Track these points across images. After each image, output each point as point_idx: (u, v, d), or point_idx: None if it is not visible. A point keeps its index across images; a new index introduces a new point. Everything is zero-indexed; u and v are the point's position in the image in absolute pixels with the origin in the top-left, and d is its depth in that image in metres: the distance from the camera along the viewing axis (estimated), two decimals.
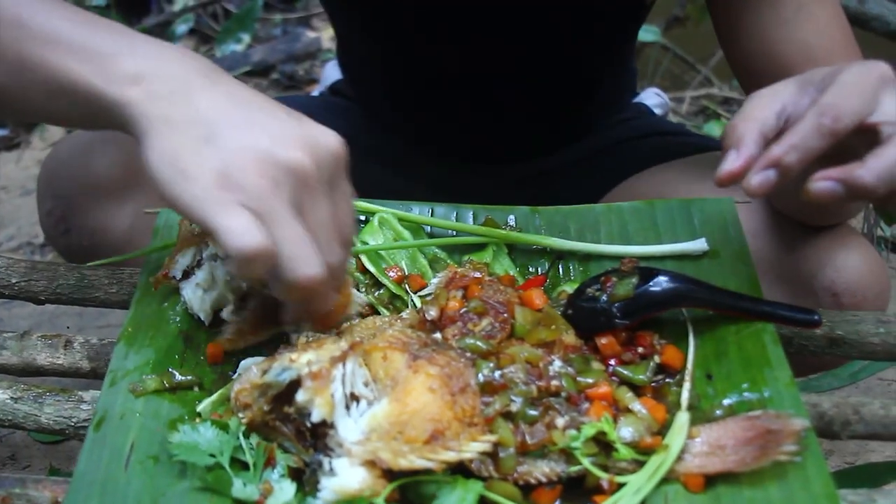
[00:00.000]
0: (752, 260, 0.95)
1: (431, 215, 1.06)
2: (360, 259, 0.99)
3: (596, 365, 0.83)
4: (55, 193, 1.18)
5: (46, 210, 1.21)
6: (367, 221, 1.04)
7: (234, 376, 0.86)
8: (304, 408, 0.73)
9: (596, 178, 1.32)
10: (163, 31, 2.98)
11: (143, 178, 0.73)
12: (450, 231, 1.04)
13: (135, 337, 0.90)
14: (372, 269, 0.98)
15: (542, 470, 0.75)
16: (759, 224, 1.04)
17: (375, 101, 1.43)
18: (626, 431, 0.77)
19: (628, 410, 0.79)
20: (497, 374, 0.79)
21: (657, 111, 1.52)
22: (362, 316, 0.95)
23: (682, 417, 0.79)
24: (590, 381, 0.80)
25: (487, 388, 0.77)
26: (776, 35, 1.08)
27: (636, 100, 1.52)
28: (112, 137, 1.08)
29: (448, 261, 1.01)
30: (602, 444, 0.76)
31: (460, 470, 0.74)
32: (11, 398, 0.88)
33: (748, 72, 1.14)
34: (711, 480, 0.75)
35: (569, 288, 0.95)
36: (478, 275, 0.92)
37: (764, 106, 0.78)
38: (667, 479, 0.75)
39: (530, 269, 1.01)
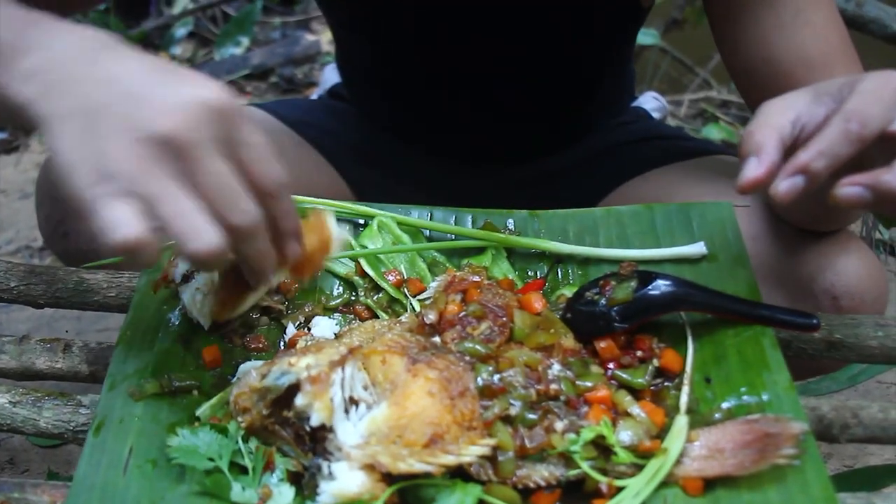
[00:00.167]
0: (751, 264, 0.95)
1: (430, 219, 1.06)
2: (359, 263, 0.99)
3: (595, 369, 0.83)
4: (54, 197, 1.18)
5: (45, 214, 1.21)
6: (366, 225, 1.04)
7: (233, 380, 0.87)
8: (303, 412, 0.73)
9: (595, 181, 1.33)
10: (162, 35, 2.99)
11: None
12: (449, 235, 1.04)
13: (134, 341, 0.90)
14: (371, 272, 0.98)
15: (541, 474, 0.75)
16: (758, 228, 1.04)
17: (374, 104, 1.43)
18: (625, 435, 0.77)
19: (627, 414, 0.79)
20: (496, 377, 0.79)
21: (655, 115, 1.52)
22: (361, 319, 0.95)
23: (681, 421, 0.79)
24: (589, 384, 0.80)
25: (486, 392, 0.77)
26: (773, 40, 1.08)
27: (634, 104, 1.52)
28: None
29: (447, 264, 1.01)
30: (601, 448, 0.76)
31: (459, 473, 0.74)
32: (10, 402, 0.88)
33: (746, 76, 1.15)
34: (710, 484, 0.75)
35: (568, 292, 0.95)
36: (477, 278, 0.92)
37: (779, 113, 0.78)
38: (666, 483, 0.75)
39: (529, 273, 1.01)
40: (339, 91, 1.51)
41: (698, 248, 0.97)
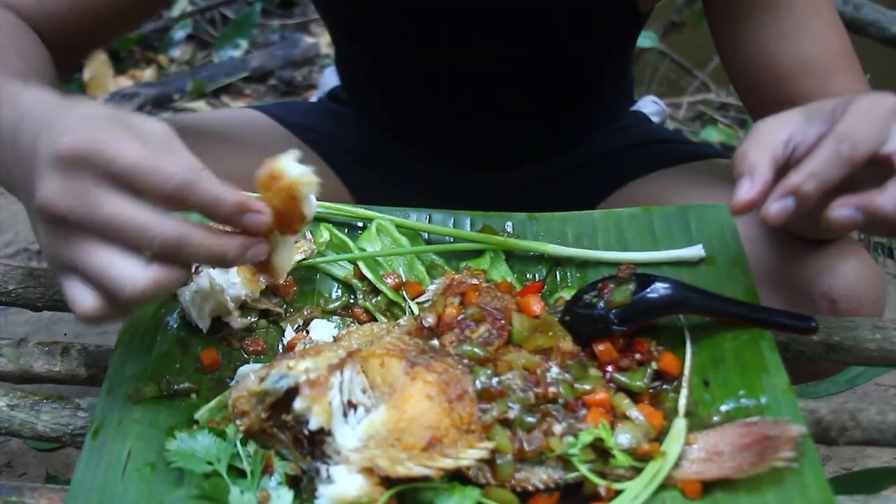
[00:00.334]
0: (749, 266, 0.95)
1: (429, 222, 1.06)
2: (357, 266, 0.99)
3: (593, 371, 0.83)
4: None
5: None
6: (364, 228, 1.04)
7: (232, 383, 0.87)
8: (301, 415, 0.73)
9: (593, 184, 1.33)
10: (161, 37, 2.99)
11: None
12: (447, 237, 1.04)
13: (132, 344, 0.89)
14: (369, 275, 0.98)
15: (539, 477, 0.75)
16: (757, 231, 1.04)
17: (374, 107, 1.43)
18: (623, 438, 0.77)
19: (626, 417, 0.79)
20: (494, 380, 0.79)
21: (654, 119, 1.53)
22: (359, 322, 0.95)
23: (680, 424, 0.79)
24: (587, 387, 0.80)
25: (485, 395, 0.77)
26: (774, 47, 1.09)
27: (633, 108, 1.53)
28: None
29: (445, 267, 1.01)
30: (599, 451, 0.76)
31: (458, 477, 0.74)
32: (8, 405, 0.88)
33: (746, 82, 1.15)
34: (709, 487, 0.75)
35: (566, 294, 0.95)
36: (475, 281, 0.93)
37: (772, 133, 0.78)
38: (664, 486, 0.75)
39: (528, 276, 1.01)
40: (339, 94, 1.51)
41: (696, 251, 0.97)
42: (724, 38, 1.15)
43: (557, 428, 0.77)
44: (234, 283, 0.92)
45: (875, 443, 0.86)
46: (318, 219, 1.05)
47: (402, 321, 0.91)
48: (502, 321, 0.85)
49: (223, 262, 0.72)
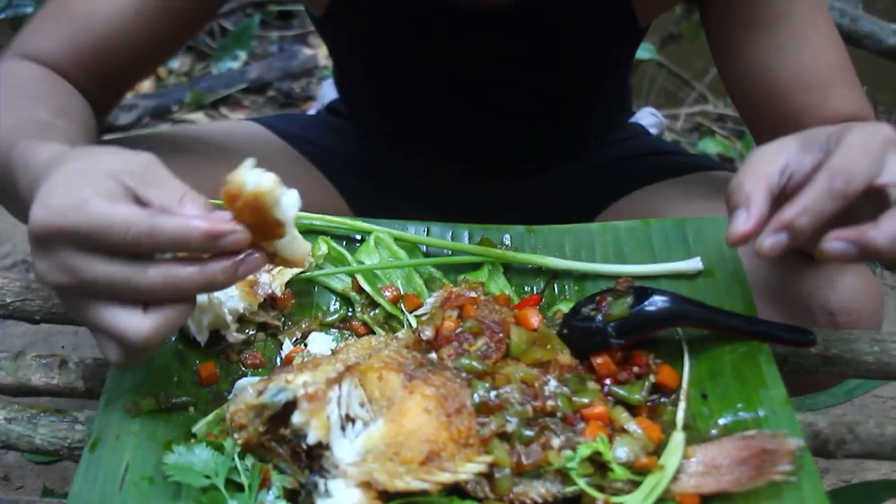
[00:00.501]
0: (747, 279, 0.96)
1: (427, 234, 1.06)
2: (355, 278, 0.99)
3: (591, 385, 0.83)
4: None
5: None
6: (362, 240, 1.04)
7: (230, 396, 0.87)
8: (299, 429, 0.73)
9: (591, 197, 1.33)
10: None
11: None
12: (445, 250, 1.04)
13: None
14: (368, 288, 0.98)
15: (537, 490, 0.75)
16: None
17: (372, 121, 1.43)
18: (621, 451, 0.77)
19: (624, 430, 0.79)
20: (492, 394, 0.79)
21: (652, 130, 1.53)
22: (357, 335, 0.95)
23: (678, 437, 0.79)
24: (585, 400, 0.80)
25: (483, 409, 0.77)
26: (772, 61, 1.09)
27: (632, 119, 1.53)
28: None
29: (444, 280, 1.01)
30: (598, 465, 0.76)
31: (456, 491, 0.73)
32: (5, 419, 0.88)
33: (744, 96, 1.15)
34: (707, 500, 0.75)
35: (564, 307, 0.95)
36: (473, 294, 0.93)
37: (768, 163, 0.78)
38: (662, 500, 0.75)
39: (526, 289, 1.01)
40: (337, 107, 1.51)
41: (694, 264, 0.98)
42: (722, 52, 1.15)
43: (555, 441, 0.77)
44: (232, 295, 0.92)
45: (874, 456, 0.86)
46: (317, 231, 1.05)
47: (400, 334, 0.91)
48: (500, 334, 0.85)
49: (218, 288, 0.74)
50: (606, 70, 1.34)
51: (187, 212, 0.71)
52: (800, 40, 1.08)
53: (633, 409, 0.82)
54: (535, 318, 0.89)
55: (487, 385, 0.79)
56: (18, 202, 0.78)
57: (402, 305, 0.97)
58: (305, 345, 0.94)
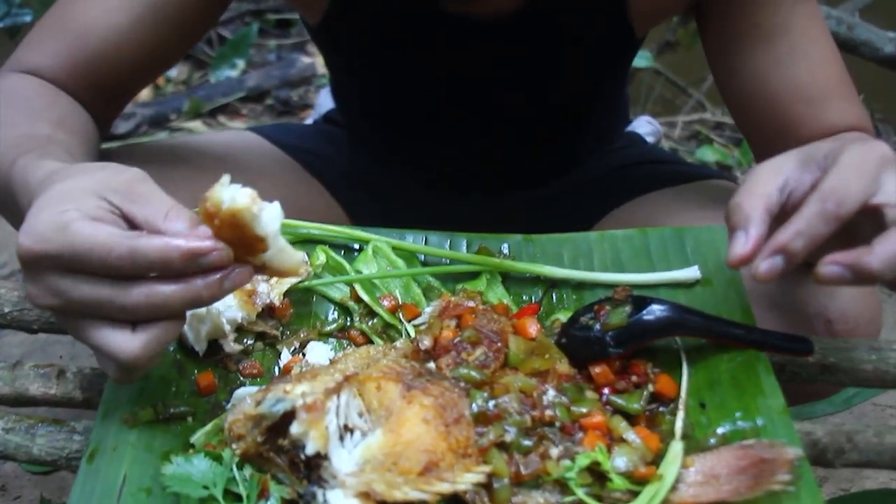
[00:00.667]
0: (745, 287, 0.96)
1: (425, 244, 1.06)
2: (354, 288, 0.99)
3: (590, 394, 0.83)
4: None
5: None
6: (361, 250, 1.04)
7: (228, 407, 0.86)
8: (298, 440, 0.73)
9: (589, 205, 1.33)
10: None
11: None
12: (443, 259, 1.04)
13: None
14: (366, 297, 0.98)
15: (536, 500, 0.75)
16: None
17: (370, 131, 1.43)
18: (620, 461, 0.77)
19: (622, 440, 0.79)
20: (491, 403, 0.79)
21: (649, 139, 1.53)
22: (356, 345, 0.95)
23: (676, 447, 0.79)
24: (584, 410, 0.80)
25: (481, 419, 0.77)
26: (769, 74, 1.09)
27: (629, 128, 1.53)
28: None
29: (442, 289, 1.01)
30: (596, 474, 0.76)
31: (454, 501, 0.73)
32: (3, 429, 0.88)
33: (742, 108, 1.15)
34: None
35: (562, 316, 0.95)
36: (471, 304, 0.93)
37: (767, 181, 0.78)
38: None
39: (524, 298, 1.01)
40: (334, 116, 1.51)
41: (692, 273, 0.98)
42: (719, 64, 1.15)
43: (554, 451, 0.77)
44: (230, 305, 0.92)
45: (872, 465, 0.86)
46: (314, 241, 1.05)
47: (398, 344, 0.91)
48: (499, 344, 0.85)
49: (204, 304, 0.75)
50: (603, 80, 1.34)
51: (172, 228, 0.71)
52: (797, 53, 1.08)
53: (631, 419, 0.82)
54: (533, 328, 0.89)
55: (486, 395, 0.79)
56: (20, 217, 0.79)
57: (400, 315, 0.97)
58: (304, 354, 0.94)
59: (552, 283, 1.02)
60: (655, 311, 0.87)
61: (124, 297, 0.70)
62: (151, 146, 1.30)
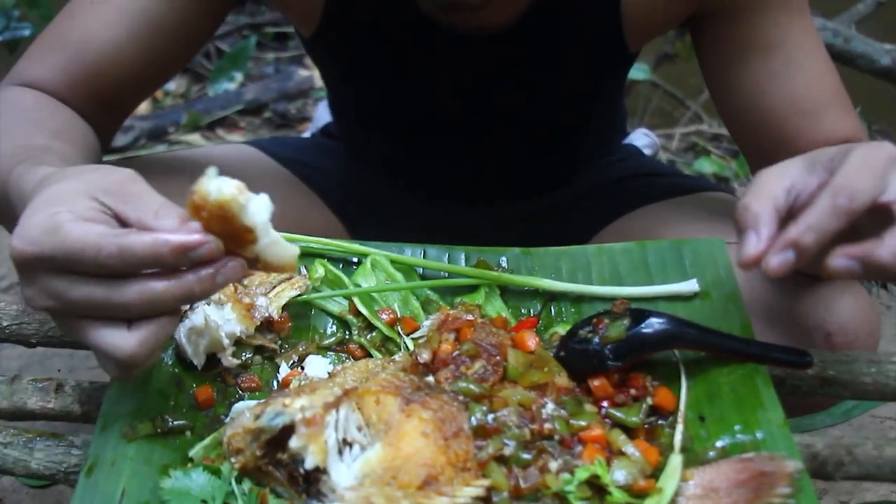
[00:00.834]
0: (744, 301, 0.96)
1: (423, 257, 1.06)
2: (352, 301, 0.99)
3: (589, 407, 0.83)
4: None
5: None
6: (359, 263, 1.04)
7: (227, 420, 0.86)
8: (297, 454, 0.73)
9: (586, 218, 1.33)
10: None
11: None
12: (442, 273, 1.04)
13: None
14: (364, 311, 0.98)
15: None
16: None
17: (363, 142, 1.44)
18: (619, 474, 0.77)
19: (621, 453, 0.79)
20: (490, 417, 0.79)
21: (647, 151, 1.53)
22: (354, 358, 0.95)
23: (676, 460, 0.79)
24: (583, 423, 0.80)
25: (480, 432, 0.77)
26: (765, 88, 1.10)
27: (625, 141, 1.53)
28: None
29: (440, 303, 1.01)
30: (596, 488, 0.76)
31: None
32: (1, 443, 0.88)
33: (738, 122, 1.16)
34: None
35: (561, 329, 0.95)
36: (470, 317, 0.93)
37: (774, 183, 0.78)
38: None
39: (522, 311, 1.01)
40: (331, 130, 1.52)
41: (691, 286, 0.98)
42: (714, 78, 1.16)
43: (553, 465, 0.77)
44: (229, 319, 0.92)
45: (872, 478, 0.86)
46: (313, 254, 1.05)
47: (397, 357, 0.91)
48: (497, 357, 0.85)
49: (198, 299, 0.74)
50: (597, 95, 1.35)
51: (162, 225, 0.71)
52: (792, 66, 1.09)
53: (630, 432, 0.82)
54: (531, 341, 0.89)
55: (485, 408, 0.79)
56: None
57: (398, 328, 0.97)
58: (302, 368, 0.94)
59: (551, 297, 1.02)
60: (654, 324, 0.87)
61: (118, 296, 0.71)
62: (150, 159, 1.31)
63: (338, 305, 1.00)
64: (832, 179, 0.75)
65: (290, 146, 1.46)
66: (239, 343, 0.94)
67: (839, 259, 0.74)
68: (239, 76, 2.98)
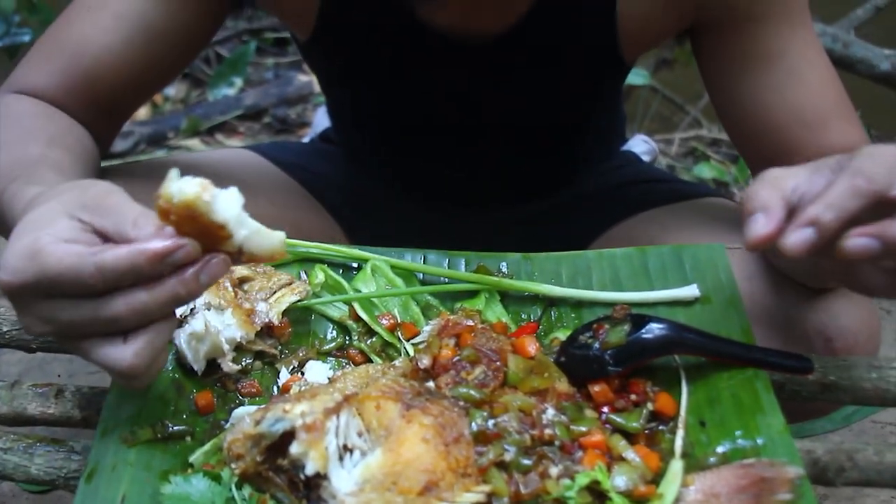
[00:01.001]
0: (744, 306, 0.95)
1: (423, 262, 1.06)
2: (352, 307, 0.99)
3: (589, 413, 0.83)
4: None
5: None
6: (359, 268, 1.04)
7: (227, 426, 0.86)
8: (298, 460, 0.73)
9: (585, 224, 1.33)
10: None
11: None
12: (442, 278, 1.04)
13: None
14: (365, 316, 0.98)
15: None
16: (751, 269, 1.04)
17: (361, 147, 1.44)
18: (620, 480, 0.77)
19: (622, 459, 0.79)
20: (490, 423, 0.79)
21: (645, 158, 1.53)
22: (354, 364, 0.95)
23: (676, 465, 0.79)
24: (583, 429, 0.80)
25: (481, 438, 0.77)
26: (767, 99, 1.09)
27: (624, 147, 1.53)
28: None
29: (440, 308, 1.01)
30: (596, 493, 0.76)
31: None
32: (1, 449, 0.88)
33: (740, 131, 1.15)
34: None
35: (561, 335, 0.95)
36: (470, 322, 0.93)
37: (780, 178, 0.78)
38: None
39: (522, 316, 1.01)
40: (330, 135, 1.52)
41: (691, 291, 0.98)
42: (715, 87, 1.15)
43: (554, 470, 0.77)
44: (229, 324, 0.92)
45: (873, 483, 0.86)
46: (313, 259, 1.05)
47: (397, 363, 0.91)
48: (498, 362, 0.85)
49: (186, 301, 0.75)
50: (596, 94, 1.35)
51: (140, 234, 0.71)
52: (795, 76, 1.08)
53: (631, 437, 0.82)
54: (532, 346, 0.89)
55: (485, 414, 0.79)
56: None
57: (399, 334, 0.97)
58: (303, 373, 0.94)
59: (551, 302, 1.01)
60: (654, 329, 0.87)
61: (106, 311, 0.71)
62: (150, 164, 1.31)
63: (338, 311, 1.00)
64: (849, 164, 0.74)
65: (289, 151, 1.46)
66: (239, 348, 0.94)
67: (856, 239, 0.72)
68: (238, 81, 2.99)
